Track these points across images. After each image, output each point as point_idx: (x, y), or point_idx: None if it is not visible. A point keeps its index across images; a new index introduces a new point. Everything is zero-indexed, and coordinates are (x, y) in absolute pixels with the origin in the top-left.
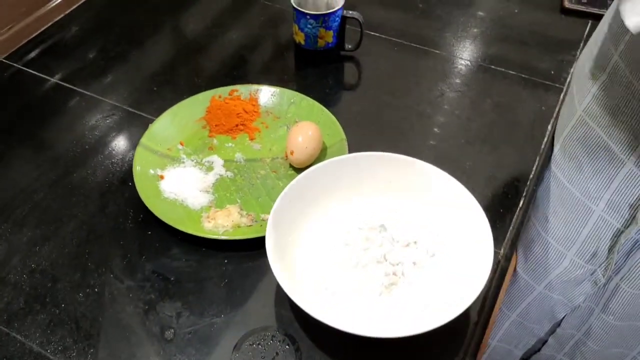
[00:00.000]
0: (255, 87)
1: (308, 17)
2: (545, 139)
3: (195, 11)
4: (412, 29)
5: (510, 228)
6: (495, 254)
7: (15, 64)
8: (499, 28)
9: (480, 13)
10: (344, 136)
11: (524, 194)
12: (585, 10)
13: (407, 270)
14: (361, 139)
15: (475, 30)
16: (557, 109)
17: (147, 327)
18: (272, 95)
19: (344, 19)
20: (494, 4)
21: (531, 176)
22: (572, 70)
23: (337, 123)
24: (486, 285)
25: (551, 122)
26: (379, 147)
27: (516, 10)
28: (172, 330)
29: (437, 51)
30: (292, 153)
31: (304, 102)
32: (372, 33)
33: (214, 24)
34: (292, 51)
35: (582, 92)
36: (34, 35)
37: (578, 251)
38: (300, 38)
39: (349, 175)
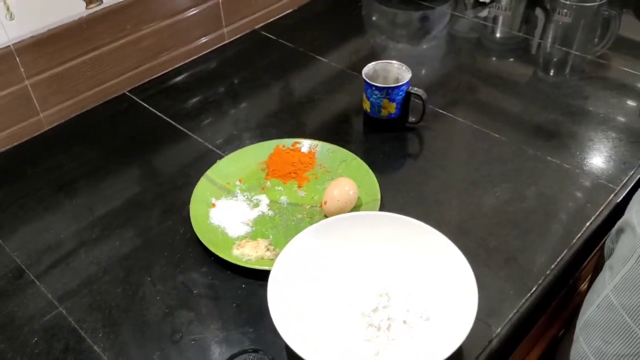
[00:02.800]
0: (315, 142)
1: (374, 88)
2: (580, 235)
3: (294, 76)
4: (476, 113)
5: (515, 311)
6: (490, 331)
7: (134, 97)
8: (568, 119)
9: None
10: (379, 197)
11: (540, 282)
12: None
13: (395, 326)
14: (397, 203)
15: (537, 118)
16: (601, 209)
17: (161, 327)
18: (328, 151)
19: (408, 94)
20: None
21: (552, 266)
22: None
23: (377, 184)
24: None
25: (591, 220)
26: (410, 213)
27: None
28: (180, 335)
29: (497, 135)
30: (325, 203)
31: (354, 162)
32: (440, 110)
33: (304, 86)
34: (361, 117)
35: None
36: (154, 76)
37: None
38: (367, 106)
39: (359, 231)
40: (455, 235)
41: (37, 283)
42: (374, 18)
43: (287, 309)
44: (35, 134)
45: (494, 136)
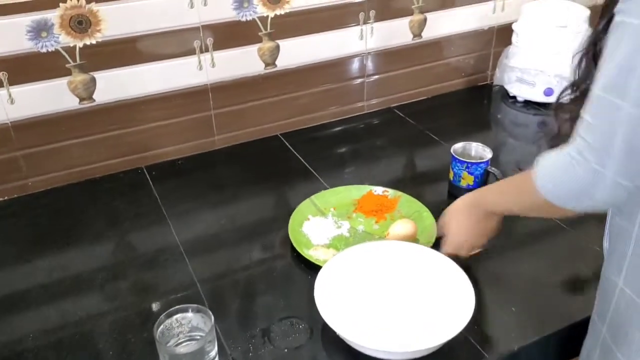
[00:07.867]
0: (400, 193)
1: (457, 160)
2: None
3: (410, 148)
4: None
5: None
6: (480, 355)
7: (283, 139)
8: None
9: None
10: (433, 241)
11: (543, 335)
12: None
13: (403, 319)
14: None
15: None
16: None
17: (246, 288)
18: (408, 202)
19: (487, 171)
20: None
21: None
22: None
23: (435, 232)
24: None
25: None
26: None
27: None
28: (257, 296)
29: (566, 227)
30: (387, 234)
31: (426, 214)
32: None
33: (414, 156)
34: (446, 184)
35: None
36: (301, 127)
37: None
38: (451, 175)
39: (400, 254)
40: (492, 285)
41: (176, 233)
42: (498, 116)
43: (328, 293)
44: (207, 150)
45: (567, 229)
